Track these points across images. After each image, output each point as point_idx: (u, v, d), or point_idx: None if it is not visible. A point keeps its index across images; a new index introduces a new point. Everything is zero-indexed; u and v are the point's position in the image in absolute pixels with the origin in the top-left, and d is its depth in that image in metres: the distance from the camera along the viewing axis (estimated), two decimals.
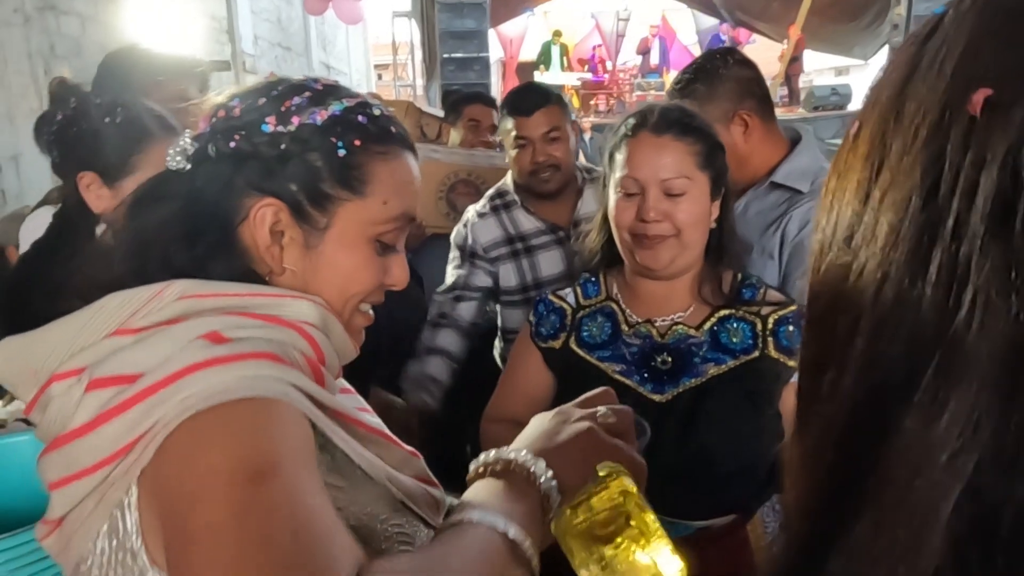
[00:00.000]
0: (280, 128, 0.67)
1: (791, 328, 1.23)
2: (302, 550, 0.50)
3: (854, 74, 12.95)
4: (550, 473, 0.64)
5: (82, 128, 1.26)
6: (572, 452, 0.67)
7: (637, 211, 1.18)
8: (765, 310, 1.24)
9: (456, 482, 0.77)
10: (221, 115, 0.69)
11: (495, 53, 11.71)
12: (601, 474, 0.65)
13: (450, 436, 2.83)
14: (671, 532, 1.12)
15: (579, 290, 1.35)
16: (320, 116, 0.67)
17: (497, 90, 11.51)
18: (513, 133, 1.89)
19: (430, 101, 8.39)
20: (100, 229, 1.24)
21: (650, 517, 0.64)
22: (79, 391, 0.58)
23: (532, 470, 0.64)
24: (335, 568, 0.50)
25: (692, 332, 1.24)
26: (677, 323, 1.25)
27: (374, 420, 0.75)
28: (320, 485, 0.56)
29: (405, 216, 0.73)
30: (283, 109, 0.68)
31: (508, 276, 1.98)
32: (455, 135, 2.77)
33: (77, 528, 0.59)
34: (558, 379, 1.31)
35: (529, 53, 13.70)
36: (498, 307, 2.27)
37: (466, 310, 2.00)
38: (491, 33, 9.01)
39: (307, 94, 0.69)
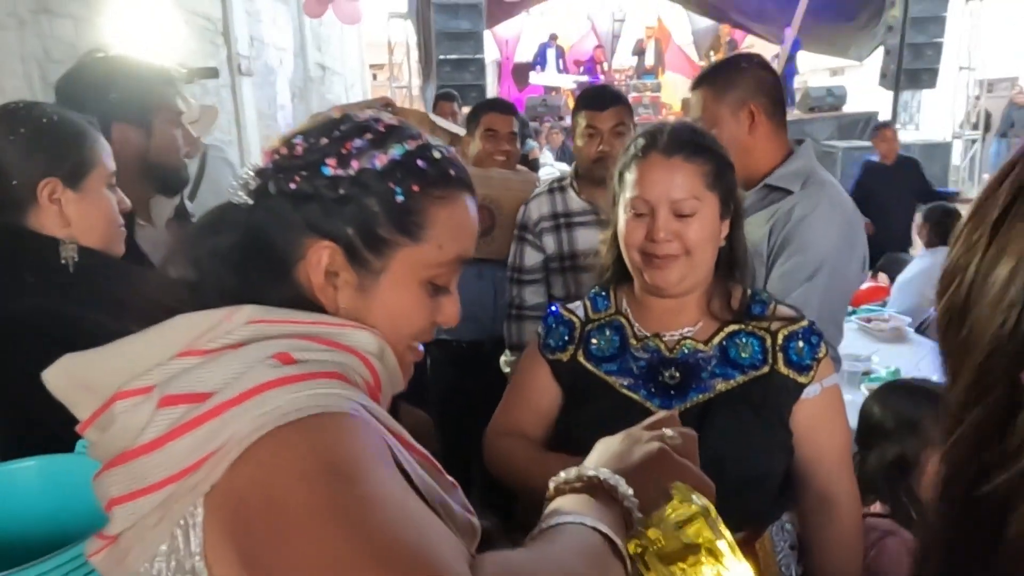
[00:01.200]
0: (340, 171, 0.67)
1: (801, 344, 1.22)
2: (408, 541, 0.50)
3: (849, 75, 12.97)
4: (631, 491, 0.66)
5: (33, 131, 1.17)
6: (645, 472, 0.69)
7: (647, 231, 1.18)
8: (775, 325, 1.23)
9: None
10: (283, 152, 0.70)
11: (491, 54, 11.71)
12: (675, 494, 0.66)
13: (453, 449, 2.83)
14: None
15: (588, 304, 1.35)
16: (380, 161, 0.68)
17: (493, 91, 11.50)
18: (584, 123, 2.21)
19: (426, 103, 8.37)
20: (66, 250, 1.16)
21: (725, 537, 0.65)
22: (148, 408, 0.58)
23: (615, 487, 0.66)
24: (445, 560, 0.50)
25: (700, 347, 1.23)
26: (686, 337, 1.24)
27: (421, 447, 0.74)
28: (407, 485, 0.58)
29: (460, 259, 0.74)
30: (344, 151, 0.68)
31: (549, 245, 2.30)
32: (473, 146, 2.68)
33: (134, 545, 0.58)
34: (565, 392, 1.30)
35: (525, 54, 13.69)
36: (507, 319, 2.33)
37: (530, 295, 2.35)
38: (487, 34, 9.00)
39: (368, 136, 0.69)
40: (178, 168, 1.65)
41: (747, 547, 1.20)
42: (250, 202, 0.69)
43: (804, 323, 1.24)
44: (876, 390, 1.70)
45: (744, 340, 1.23)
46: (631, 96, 12.03)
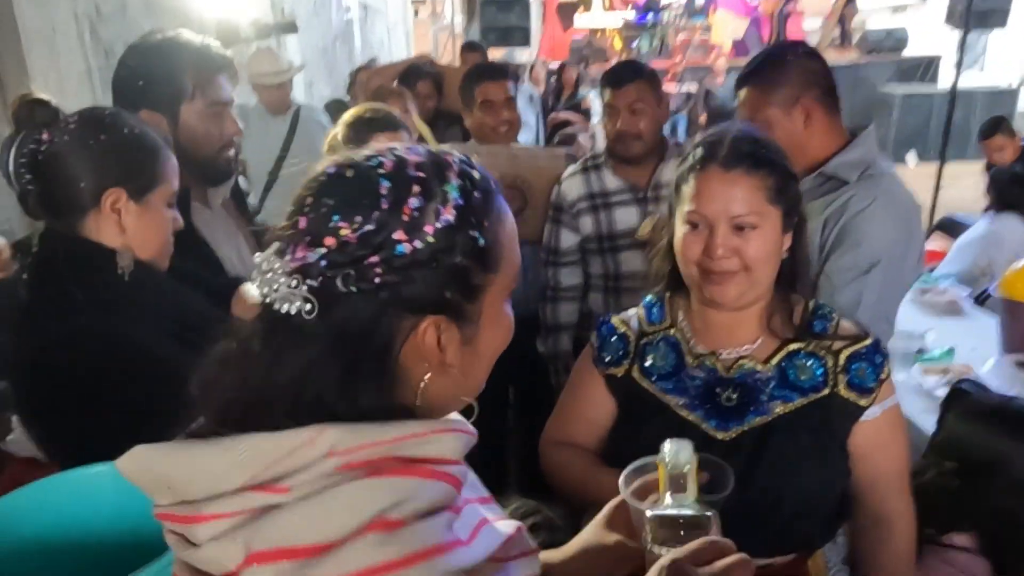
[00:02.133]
0: (417, 243, 0.62)
1: (864, 366, 1.18)
2: None
3: (911, 13, 12.32)
4: None
5: (108, 141, 1.16)
6: None
7: (705, 246, 1.14)
8: (837, 345, 1.19)
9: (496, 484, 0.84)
10: (331, 244, 0.61)
11: None
12: None
13: (488, 421, 2.85)
14: None
15: (643, 314, 1.31)
16: (448, 213, 0.63)
17: (536, 30, 11.20)
18: (606, 102, 2.18)
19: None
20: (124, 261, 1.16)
21: None
22: (236, 552, 0.58)
23: None
24: None
25: (759, 367, 1.20)
26: (743, 357, 1.21)
27: (492, 510, 0.75)
28: None
29: (519, 265, 0.73)
30: (407, 219, 0.62)
31: (586, 226, 2.27)
32: (471, 120, 2.57)
33: None
34: (619, 406, 1.28)
35: None
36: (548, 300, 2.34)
37: (566, 276, 2.35)
38: None
39: (417, 189, 0.63)
40: (210, 159, 1.58)
41: (798, 567, 1.20)
42: (315, 308, 0.61)
43: (868, 342, 1.20)
44: (958, 405, 1.58)
45: (805, 361, 1.19)
46: (679, 39, 11.66)
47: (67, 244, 1.17)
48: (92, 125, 1.17)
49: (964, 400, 1.87)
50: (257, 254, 0.64)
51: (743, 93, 1.72)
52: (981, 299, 3.17)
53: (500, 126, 2.53)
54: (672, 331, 1.27)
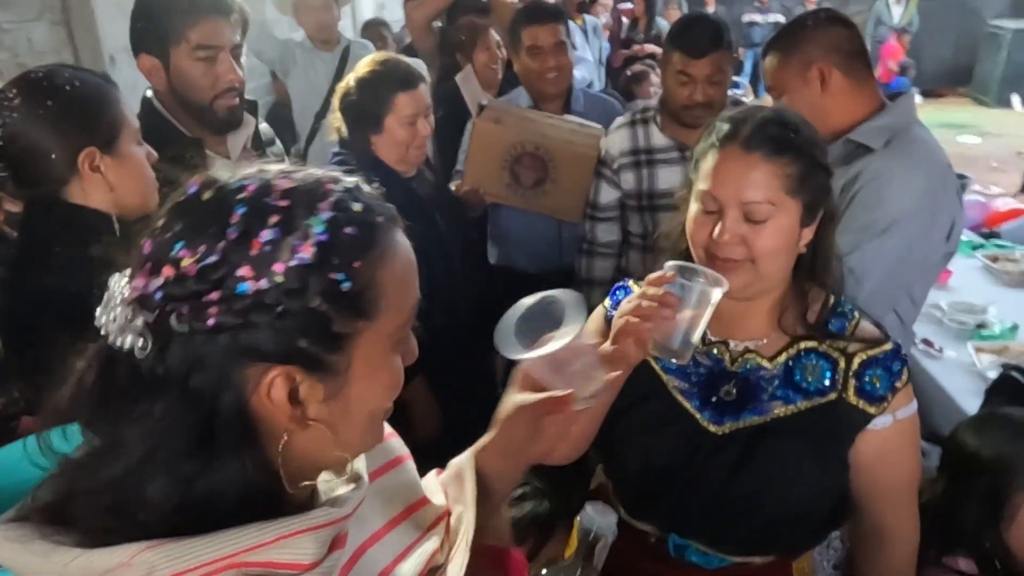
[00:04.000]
0: (263, 283, 0.54)
1: (878, 373, 1.10)
2: None
3: None
4: None
5: (62, 103, 1.14)
6: None
7: (713, 229, 1.08)
8: (852, 347, 1.11)
9: None
10: (169, 274, 0.54)
11: None
12: None
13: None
14: (705, 562, 1.10)
15: None
16: (306, 251, 0.55)
17: None
18: (678, 68, 2.01)
19: None
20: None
21: None
22: None
23: None
24: None
25: (764, 363, 1.14)
26: (751, 351, 1.15)
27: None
28: None
29: (416, 304, 0.64)
30: (255, 253, 0.54)
31: (627, 182, 2.19)
32: (517, 65, 2.45)
33: None
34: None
35: None
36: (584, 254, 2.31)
37: (603, 232, 2.27)
38: None
39: (274, 220, 0.55)
40: (205, 107, 1.54)
41: (780, 569, 1.16)
42: (149, 346, 0.54)
43: (887, 347, 1.12)
44: (975, 418, 1.50)
45: (814, 361, 1.12)
46: None
47: (62, 213, 1.17)
48: (34, 94, 1.15)
49: (1008, 392, 1.74)
50: (115, 275, 0.57)
51: (766, 61, 1.69)
52: None
53: (548, 72, 2.42)
54: None
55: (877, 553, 1.18)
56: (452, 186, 2.43)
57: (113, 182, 1.19)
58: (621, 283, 1.30)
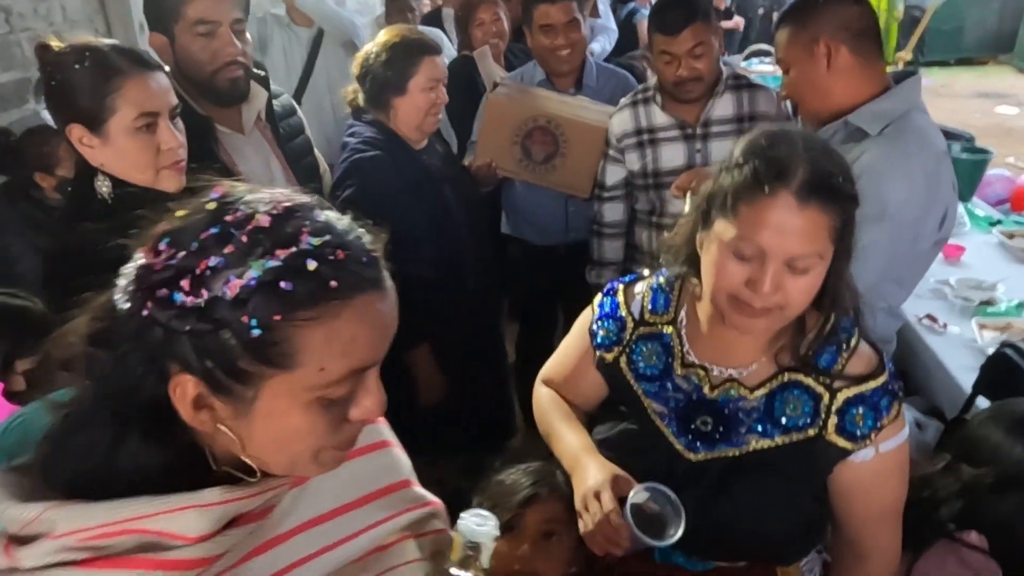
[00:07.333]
0: (190, 299, 0.59)
1: (862, 411, 1.06)
2: None
3: None
4: None
5: (59, 81, 1.23)
6: None
7: (749, 278, 0.99)
8: (838, 384, 1.07)
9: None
10: (146, 260, 0.62)
11: None
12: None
13: (534, 335, 2.97)
14: (691, 565, 1.17)
15: (649, 297, 1.22)
16: (231, 289, 0.58)
17: None
18: (660, 48, 2.06)
19: None
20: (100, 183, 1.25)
21: None
22: None
23: None
24: None
25: (745, 393, 1.11)
26: (732, 380, 1.12)
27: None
28: None
29: (356, 371, 0.64)
30: (199, 272, 0.59)
31: (632, 162, 2.25)
32: (530, 41, 2.47)
33: None
34: (607, 385, 1.25)
35: None
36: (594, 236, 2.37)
37: (609, 211, 2.34)
38: None
39: (229, 250, 0.59)
40: (207, 80, 1.58)
41: (765, 570, 1.17)
42: (122, 312, 0.62)
43: (876, 383, 1.07)
44: (996, 408, 1.45)
45: (796, 395, 1.09)
46: None
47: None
48: (57, 66, 1.24)
49: (1005, 368, 1.74)
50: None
51: (778, 34, 1.68)
52: None
53: (560, 50, 2.43)
54: (670, 329, 1.19)
55: (854, 569, 1.17)
56: (466, 161, 2.49)
57: (103, 161, 1.25)
58: (610, 287, 1.28)
